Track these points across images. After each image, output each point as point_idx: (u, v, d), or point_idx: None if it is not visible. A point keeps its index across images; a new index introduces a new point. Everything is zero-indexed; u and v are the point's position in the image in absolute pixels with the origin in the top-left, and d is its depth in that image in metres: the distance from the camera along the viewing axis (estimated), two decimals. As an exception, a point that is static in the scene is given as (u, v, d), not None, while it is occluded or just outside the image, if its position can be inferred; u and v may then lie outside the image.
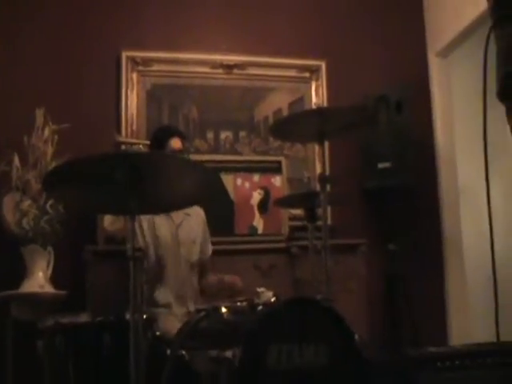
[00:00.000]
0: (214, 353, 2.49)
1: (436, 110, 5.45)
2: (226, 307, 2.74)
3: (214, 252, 3.94)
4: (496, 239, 2.47)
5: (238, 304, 2.75)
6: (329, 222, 4.36)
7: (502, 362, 2.49)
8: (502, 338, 2.53)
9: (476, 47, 1.50)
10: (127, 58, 4.91)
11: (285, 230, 4.57)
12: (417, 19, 5.59)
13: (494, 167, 2.29)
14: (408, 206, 5.03)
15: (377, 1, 5.50)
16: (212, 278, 3.86)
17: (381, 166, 4.76)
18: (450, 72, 5.53)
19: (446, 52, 5.47)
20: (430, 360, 2.50)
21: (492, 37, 1.58)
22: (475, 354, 2.52)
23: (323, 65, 5.28)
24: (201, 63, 5.06)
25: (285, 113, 5.12)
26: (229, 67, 5.08)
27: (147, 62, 4.96)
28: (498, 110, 1.62)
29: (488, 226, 2.19)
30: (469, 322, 5.10)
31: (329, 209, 4.59)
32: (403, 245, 4.78)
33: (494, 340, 2.56)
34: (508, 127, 1.61)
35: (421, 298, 4.79)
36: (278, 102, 5.17)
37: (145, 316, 2.64)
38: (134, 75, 4.92)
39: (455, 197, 5.36)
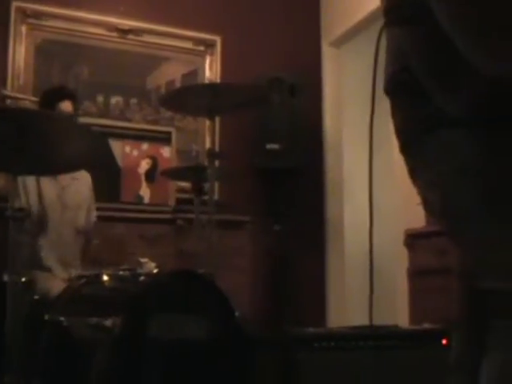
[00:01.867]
0: (94, 320, 2.46)
1: (326, 97, 5.59)
2: (107, 275, 2.71)
3: (99, 218, 3.87)
4: (375, 228, 2.56)
5: (121, 273, 2.73)
6: (216, 197, 4.33)
7: (375, 345, 2.61)
8: (376, 322, 2.66)
9: (369, 41, 1.55)
10: (17, 8, 4.70)
11: (171, 202, 4.56)
12: (313, 7, 5.70)
13: (376, 157, 2.39)
14: (295, 187, 5.14)
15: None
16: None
17: (269, 146, 4.83)
18: (342, 62, 5.68)
19: (339, 43, 5.62)
20: (308, 340, 2.59)
21: (384, 34, 1.63)
22: (350, 337, 2.63)
23: (219, 40, 5.28)
24: (95, 24, 4.92)
25: (178, 84, 5.08)
26: (124, 32, 4.98)
27: (38, 15, 4.77)
28: (385, 103, 1.68)
29: (368, 213, 2.27)
30: (346, 304, 5.30)
31: (217, 184, 4.60)
32: (288, 225, 4.88)
33: (370, 323, 2.67)
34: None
35: (303, 278, 4.93)
36: (171, 73, 5.13)
37: (24, 278, 2.58)
38: (24, 28, 4.72)
39: (339, 182, 5.55)
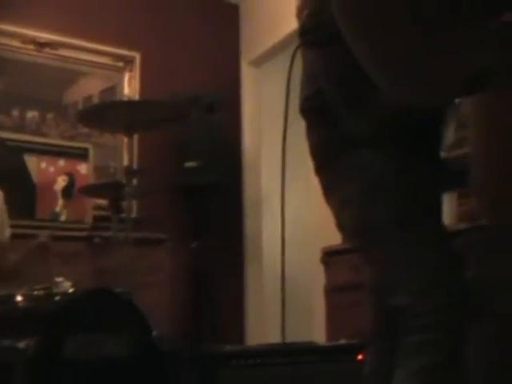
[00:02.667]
0: (6, 342, 2.40)
1: (245, 115, 5.65)
2: (21, 295, 2.65)
3: (13, 235, 3.77)
4: (291, 246, 2.61)
5: (35, 292, 2.68)
6: (134, 214, 4.35)
7: (292, 361, 2.64)
8: (293, 339, 2.70)
9: (288, 61, 1.59)
10: None
11: (88, 219, 4.49)
12: (233, 27, 5.77)
13: (294, 175, 2.41)
14: (213, 204, 5.14)
15: (197, 3, 5.55)
16: None
17: (188, 164, 4.82)
18: (261, 81, 5.75)
19: (258, 62, 5.69)
20: (226, 357, 2.60)
21: (300, 55, 1.67)
22: (267, 354, 2.66)
23: (138, 56, 5.25)
24: (11, 36, 4.80)
25: (95, 100, 5.03)
26: (40, 45, 4.89)
27: (-49, 22, 4.62)
28: (301, 122, 1.72)
29: (286, 231, 2.30)
30: (265, 322, 5.31)
31: (135, 202, 4.58)
32: (207, 242, 4.88)
33: (282, 340, 2.71)
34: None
35: (222, 295, 4.92)
36: (89, 88, 5.06)
37: None
38: None
39: (258, 199, 5.60)
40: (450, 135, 3.20)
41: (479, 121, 3.07)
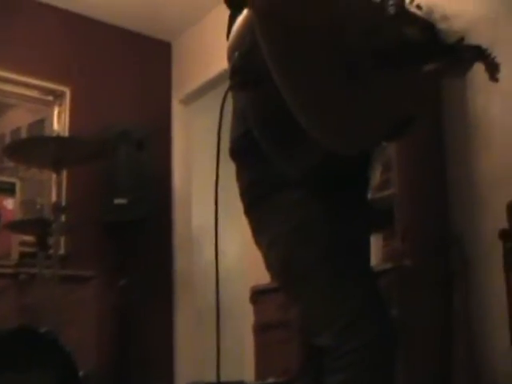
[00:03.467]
0: None
1: (175, 152, 5.67)
2: None
3: None
4: (221, 284, 2.61)
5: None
6: (62, 251, 4.29)
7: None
8: (225, 378, 2.69)
9: (219, 99, 1.62)
10: None
11: (15, 255, 4.38)
12: (165, 64, 5.82)
13: (223, 215, 2.43)
14: (143, 241, 5.11)
15: (130, 39, 5.58)
16: None
17: (117, 201, 4.79)
18: (191, 119, 5.80)
19: (189, 100, 5.74)
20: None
21: (231, 97, 1.71)
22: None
23: (68, 91, 5.20)
24: None
25: (24, 133, 4.95)
26: (-33, 76, 4.81)
27: None
28: (231, 163, 1.75)
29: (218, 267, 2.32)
30: (196, 360, 5.27)
31: (62, 238, 4.50)
32: (136, 279, 4.84)
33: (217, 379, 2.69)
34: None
35: (151, 333, 4.88)
36: (17, 121, 4.99)
37: None
38: None
39: (188, 236, 5.59)
40: (376, 177, 3.30)
41: (402, 163, 3.18)
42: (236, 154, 1.72)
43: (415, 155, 3.19)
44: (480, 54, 1.78)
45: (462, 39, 1.82)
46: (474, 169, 3.30)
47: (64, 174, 4.62)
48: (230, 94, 1.63)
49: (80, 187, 4.91)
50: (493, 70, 1.77)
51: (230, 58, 1.59)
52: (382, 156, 3.25)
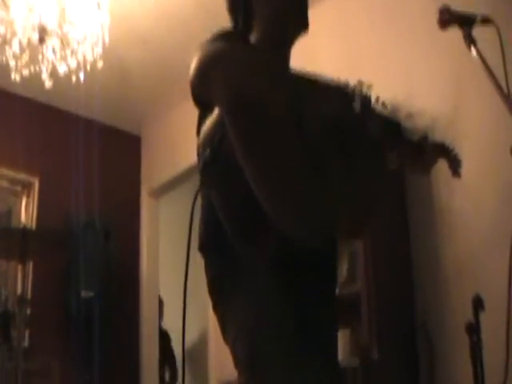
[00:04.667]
0: None
1: (143, 245, 5.66)
2: None
3: None
4: (187, 379, 2.59)
5: None
6: (25, 343, 4.18)
7: None
8: None
9: (188, 193, 1.66)
10: None
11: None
12: (134, 157, 5.89)
13: (191, 310, 2.41)
14: (110, 334, 5.01)
15: (99, 131, 5.56)
16: None
17: (84, 294, 4.72)
18: (159, 211, 5.83)
19: (157, 193, 5.79)
20: None
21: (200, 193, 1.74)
22: None
23: (36, 182, 5.21)
24: None
25: (-10, 223, 4.92)
26: None
27: None
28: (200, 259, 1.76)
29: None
30: None
31: (26, 331, 4.40)
32: (101, 372, 4.73)
33: None
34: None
35: None
36: (-16, 211, 4.96)
37: None
38: None
39: (155, 329, 5.51)
40: (342, 272, 3.33)
41: (368, 257, 3.21)
42: (205, 248, 1.74)
43: (381, 249, 3.23)
44: (443, 150, 1.85)
45: (426, 137, 1.90)
46: (440, 259, 3.35)
47: (30, 265, 4.57)
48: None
49: (46, 279, 4.83)
50: (455, 165, 1.84)
51: (200, 154, 1.62)
52: (348, 251, 3.29)
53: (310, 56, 3.33)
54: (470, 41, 1.78)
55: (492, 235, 3.06)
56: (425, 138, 1.89)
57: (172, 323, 5.73)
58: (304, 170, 1.51)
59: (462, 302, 3.00)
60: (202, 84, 1.63)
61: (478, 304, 2.70)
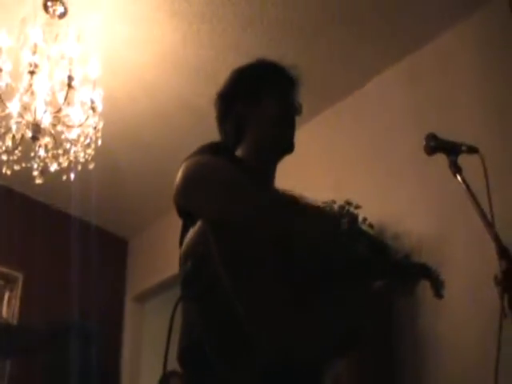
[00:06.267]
0: None
1: (125, 350, 5.56)
2: None
3: None
4: None
5: None
6: None
7: None
8: None
9: (172, 301, 1.62)
10: None
11: None
12: (120, 261, 5.88)
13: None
14: None
15: (88, 232, 5.50)
16: None
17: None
18: (143, 317, 5.75)
19: (142, 298, 5.74)
20: None
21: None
22: None
23: (21, 277, 5.14)
24: None
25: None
26: None
27: None
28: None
29: None
30: None
31: None
32: None
33: None
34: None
35: None
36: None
37: None
38: None
39: None
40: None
41: (352, 380, 3.14)
42: (183, 363, 1.69)
43: (365, 372, 3.16)
44: (425, 271, 1.82)
45: (408, 256, 1.90)
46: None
47: (8, 363, 4.45)
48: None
49: (26, 377, 4.64)
50: (438, 287, 1.81)
51: (182, 265, 1.60)
52: (332, 373, 3.21)
53: (298, 175, 3.37)
54: (455, 169, 1.78)
55: (476, 363, 3.01)
56: (407, 257, 1.88)
57: None
58: (287, 290, 1.49)
59: None
60: (185, 199, 1.63)
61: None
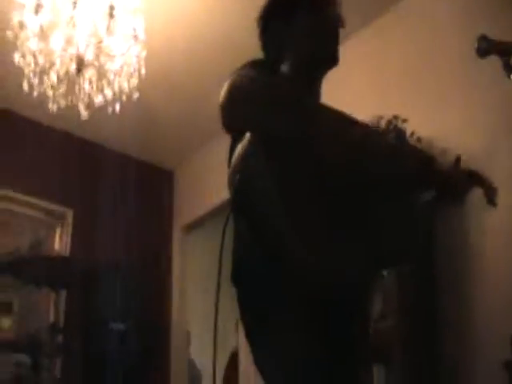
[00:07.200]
0: None
1: (175, 279, 5.64)
2: None
3: None
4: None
5: None
6: (58, 375, 4.08)
7: None
8: None
9: (220, 229, 1.65)
10: None
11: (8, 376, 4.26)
12: (167, 193, 5.92)
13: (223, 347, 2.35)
14: (140, 370, 4.90)
15: (133, 166, 5.61)
16: None
17: (114, 326, 4.67)
18: (192, 247, 5.83)
19: (190, 228, 5.79)
20: None
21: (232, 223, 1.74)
22: None
23: (71, 213, 5.25)
24: None
25: (24, 252, 4.93)
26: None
27: None
28: (227, 293, 1.75)
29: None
30: None
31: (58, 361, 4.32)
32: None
33: None
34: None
35: None
36: (19, 240, 4.97)
37: None
38: None
39: (184, 369, 5.48)
40: (376, 308, 3.26)
41: (402, 295, 3.16)
42: (237, 278, 1.72)
43: (408, 288, 3.17)
44: (477, 178, 1.82)
45: (459, 162, 1.87)
46: (469, 300, 3.26)
47: (62, 294, 4.57)
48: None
49: (78, 310, 4.79)
50: (490, 194, 1.80)
51: (231, 180, 1.63)
52: (381, 286, 3.23)
53: (344, 89, 3.33)
54: (509, 70, 1.75)
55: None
56: (457, 164, 1.86)
57: (199, 353, 5.70)
58: (330, 209, 1.51)
59: (496, 342, 2.94)
60: (233, 113, 1.65)
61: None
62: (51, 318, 4.66)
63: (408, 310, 3.19)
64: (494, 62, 1.80)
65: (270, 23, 1.90)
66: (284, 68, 1.86)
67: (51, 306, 4.83)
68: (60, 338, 3.46)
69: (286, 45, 1.87)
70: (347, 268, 1.53)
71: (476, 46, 1.78)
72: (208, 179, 5.26)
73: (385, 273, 2.99)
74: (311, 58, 1.86)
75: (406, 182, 1.71)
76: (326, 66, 1.89)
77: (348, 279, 1.57)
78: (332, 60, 1.88)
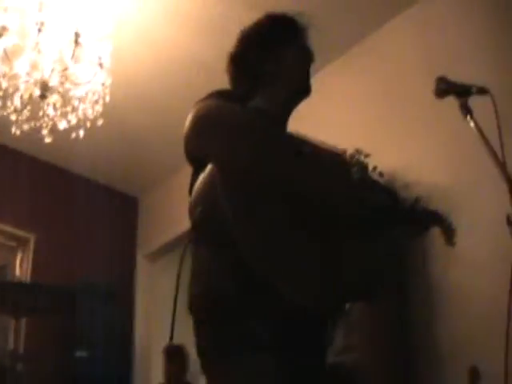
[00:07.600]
0: None
1: (138, 307, 5.61)
2: None
3: None
4: None
5: None
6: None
7: None
8: None
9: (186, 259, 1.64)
10: None
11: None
12: (131, 220, 5.89)
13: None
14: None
15: (98, 192, 5.63)
16: None
17: (78, 354, 4.60)
18: (155, 275, 5.76)
19: (154, 256, 5.76)
20: None
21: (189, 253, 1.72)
22: None
23: (32, 238, 5.17)
24: None
25: (-15, 278, 4.87)
26: None
27: None
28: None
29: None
30: None
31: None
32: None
33: None
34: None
35: None
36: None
37: None
38: None
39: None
40: (339, 340, 3.26)
41: (365, 328, 3.16)
42: (194, 311, 1.70)
43: (377, 320, 3.18)
44: (436, 218, 1.83)
45: (418, 200, 1.90)
46: (436, 332, 3.29)
47: (23, 321, 4.49)
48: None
49: (40, 336, 4.70)
50: (449, 234, 1.82)
51: (191, 212, 1.62)
52: (346, 318, 3.24)
53: (308, 122, 3.34)
54: (466, 111, 1.78)
55: (488, 309, 3.02)
56: (417, 201, 1.88)
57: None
58: (294, 236, 1.51)
59: (458, 374, 2.96)
60: (196, 142, 1.64)
61: (474, 375, 2.67)
62: (11, 345, 4.58)
63: (374, 341, 3.19)
64: (454, 100, 1.83)
65: (243, 58, 1.91)
66: (257, 100, 1.86)
67: (11, 333, 4.75)
68: (20, 366, 3.39)
69: (260, 78, 1.87)
70: (318, 294, 1.52)
71: (434, 86, 1.81)
72: (172, 209, 5.23)
73: (347, 306, 2.99)
74: (289, 90, 1.87)
75: (371, 220, 1.72)
76: (301, 98, 1.91)
77: (317, 308, 1.55)
78: (307, 92, 1.90)
